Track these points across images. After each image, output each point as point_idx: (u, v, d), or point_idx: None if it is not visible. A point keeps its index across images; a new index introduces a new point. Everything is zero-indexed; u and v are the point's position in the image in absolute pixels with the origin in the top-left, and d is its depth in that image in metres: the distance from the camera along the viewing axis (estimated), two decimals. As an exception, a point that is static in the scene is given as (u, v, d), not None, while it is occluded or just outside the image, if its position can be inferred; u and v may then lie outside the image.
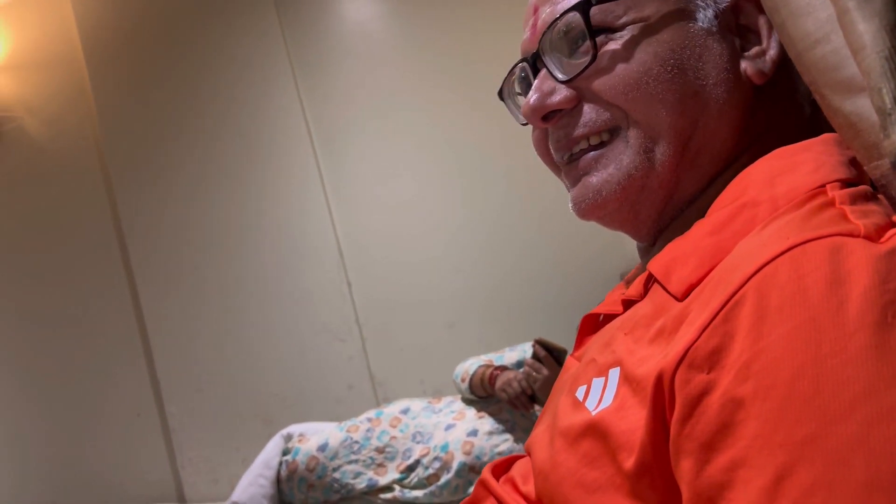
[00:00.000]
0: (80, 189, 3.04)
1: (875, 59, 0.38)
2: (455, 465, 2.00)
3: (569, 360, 0.67)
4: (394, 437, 2.12)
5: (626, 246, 2.49)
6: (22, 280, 3.07)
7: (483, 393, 2.09)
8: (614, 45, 0.59)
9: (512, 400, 1.98)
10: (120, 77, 2.98)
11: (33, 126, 3.08)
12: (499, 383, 2.01)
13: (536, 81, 0.63)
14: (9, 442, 3.07)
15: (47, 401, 3.04)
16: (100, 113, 2.98)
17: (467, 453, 2.01)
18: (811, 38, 0.48)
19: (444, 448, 2.04)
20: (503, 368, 2.06)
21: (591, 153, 0.62)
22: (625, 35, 0.59)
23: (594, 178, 0.61)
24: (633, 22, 0.59)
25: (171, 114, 2.95)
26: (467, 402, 2.17)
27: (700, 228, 0.55)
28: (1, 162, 3.10)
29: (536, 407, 2.03)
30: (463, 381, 2.13)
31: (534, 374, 1.93)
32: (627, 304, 0.61)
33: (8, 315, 3.08)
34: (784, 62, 0.59)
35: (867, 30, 0.39)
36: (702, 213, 0.58)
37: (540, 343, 1.94)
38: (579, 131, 0.61)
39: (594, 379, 0.55)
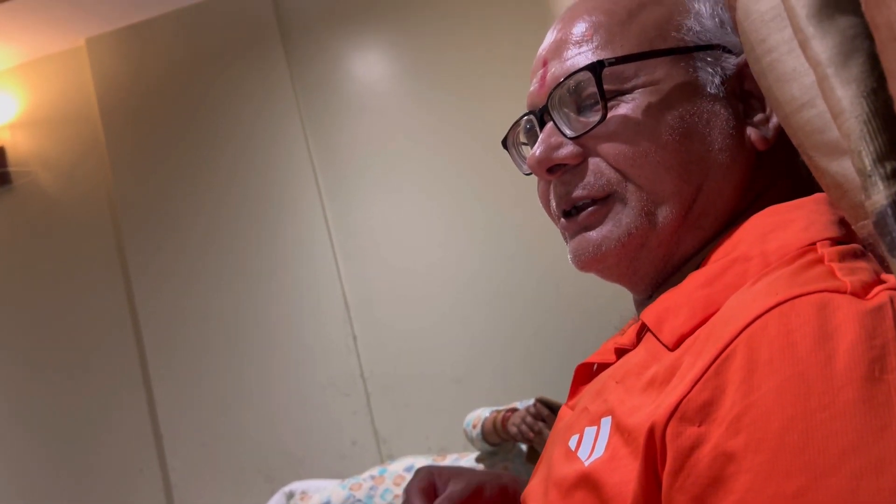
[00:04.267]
0: (90, 242, 3.08)
1: (854, 123, 0.40)
2: (460, 525, 1.96)
3: (563, 410, 0.67)
4: (397, 496, 2.08)
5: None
6: (28, 329, 3.07)
7: (496, 438, 2.01)
8: (624, 107, 0.59)
9: (521, 430, 1.89)
10: (134, 133, 3.05)
11: (47, 180, 3.14)
12: (510, 421, 1.95)
13: (543, 134, 0.63)
14: (10, 494, 3.04)
15: (49, 453, 3.01)
16: (113, 168, 3.04)
17: (472, 512, 1.96)
18: (797, 103, 0.50)
19: (449, 507, 2.00)
20: (514, 410, 2.00)
21: (591, 207, 0.62)
22: (635, 98, 0.59)
23: (594, 234, 0.61)
24: (643, 85, 0.59)
25: (184, 170, 3.01)
26: (474, 460, 2.14)
27: (693, 280, 0.56)
28: (14, 214, 3.15)
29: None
30: (474, 427, 2.06)
31: (531, 434, 1.87)
32: (620, 352, 0.61)
33: (13, 365, 3.07)
34: None
35: (845, 95, 0.41)
36: (697, 268, 0.59)
37: (542, 401, 1.90)
38: (579, 192, 0.61)
39: (586, 428, 0.55)
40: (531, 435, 1.88)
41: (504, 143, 0.73)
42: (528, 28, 2.78)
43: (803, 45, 0.45)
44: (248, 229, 2.94)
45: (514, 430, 1.91)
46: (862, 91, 0.40)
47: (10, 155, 3.14)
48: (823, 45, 0.43)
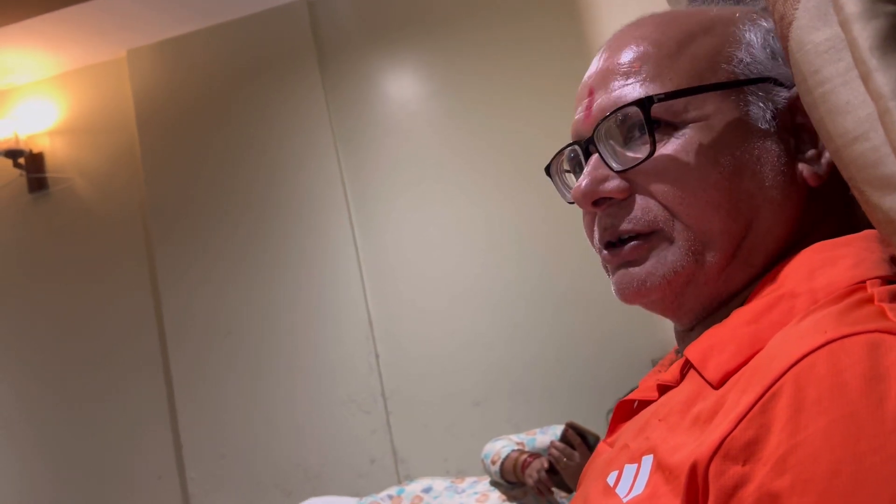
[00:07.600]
0: (121, 252, 3.12)
1: (916, 159, 0.39)
2: (476, 549, 1.94)
3: (600, 446, 0.66)
4: (414, 517, 2.06)
5: (657, 331, 2.47)
6: (55, 332, 3.12)
7: (514, 479, 2.00)
8: (674, 143, 0.58)
9: (535, 484, 1.92)
10: (169, 145, 3.10)
11: (83, 187, 3.19)
12: (528, 470, 1.95)
13: (588, 167, 0.61)
14: (29, 498, 3.06)
15: (70, 459, 3.04)
16: (147, 178, 3.08)
17: (489, 537, 1.94)
18: (850, 136, 0.49)
19: (466, 531, 1.98)
20: (536, 456, 1.99)
21: (635, 241, 0.60)
22: (685, 133, 0.58)
23: (637, 269, 0.60)
24: (693, 121, 0.58)
25: (216, 184, 3.05)
26: (492, 484, 2.11)
27: (738, 317, 0.55)
28: (49, 219, 3.21)
29: (564, 495, 1.97)
30: (493, 463, 2.05)
31: (564, 459, 1.86)
32: (663, 389, 0.60)
33: (40, 365, 3.11)
34: None
35: (908, 130, 0.40)
36: (743, 303, 0.58)
37: (573, 427, 1.88)
38: (625, 226, 0.60)
39: (626, 465, 0.54)
40: (544, 491, 1.90)
41: (548, 170, 0.71)
42: (559, 50, 2.79)
43: (865, 78, 0.44)
44: (277, 244, 2.97)
45: (530, 481, 1.92)
46: (926, 126, 0.39)
47: (49, 161, 3.20)
48: (887, 78, 0.42)
